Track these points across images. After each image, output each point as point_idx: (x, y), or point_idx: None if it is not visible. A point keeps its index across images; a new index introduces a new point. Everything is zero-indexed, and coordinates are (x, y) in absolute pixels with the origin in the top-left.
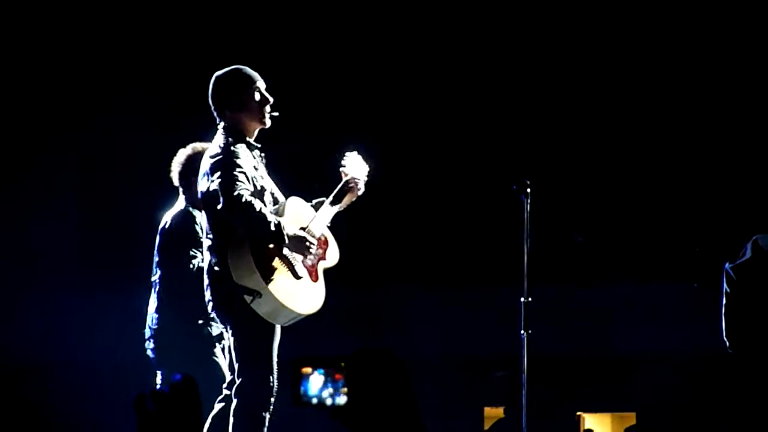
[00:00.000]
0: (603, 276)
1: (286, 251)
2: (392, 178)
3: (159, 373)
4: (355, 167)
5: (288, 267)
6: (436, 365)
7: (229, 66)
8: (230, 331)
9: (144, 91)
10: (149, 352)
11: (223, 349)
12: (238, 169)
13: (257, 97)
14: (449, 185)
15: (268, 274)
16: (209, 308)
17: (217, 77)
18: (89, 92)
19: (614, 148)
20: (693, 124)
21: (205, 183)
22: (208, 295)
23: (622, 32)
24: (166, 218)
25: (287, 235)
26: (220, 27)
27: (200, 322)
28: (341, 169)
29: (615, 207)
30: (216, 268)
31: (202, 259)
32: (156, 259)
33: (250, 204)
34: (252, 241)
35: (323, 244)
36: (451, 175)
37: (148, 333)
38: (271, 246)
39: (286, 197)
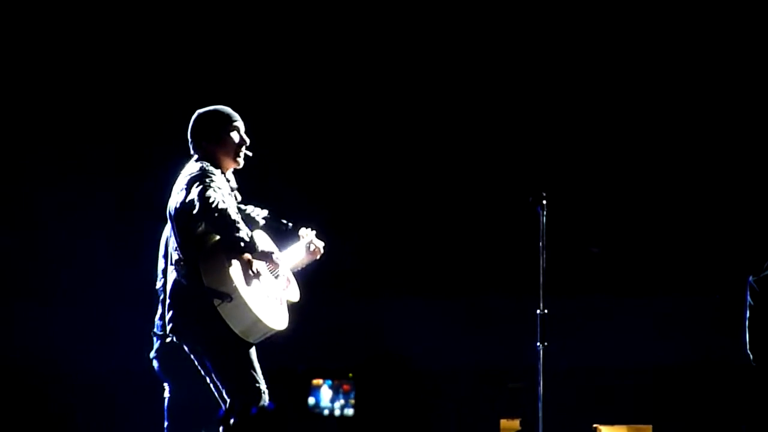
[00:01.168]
0: (618, 287)
1: (256, 267)
2: (408, 189)
3: (166, 384)
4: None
5: (257, 280)
6: (452, 377)
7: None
8: (203, 352)
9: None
10: (154, 362)
11: None
12: (213, 184)
13: (235, 136)
14: (465, 197)
15: (239, 278)
16: (168, 329)
17: (198, 113)
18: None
19: (630, 158)
20: (715, 136)
21: (180, 196)
22: (169, 316)
23: (646, 47)
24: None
25: (258, 247)
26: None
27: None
28: (308, 243)
29: (632, 218)
30: (183, 282)
31: None
32: (162, 266)
33: (225, 210)
34: (224, 248)
35: (286, 281)
36: (467, 186)
37: (154, 340)
38: (243, 257)
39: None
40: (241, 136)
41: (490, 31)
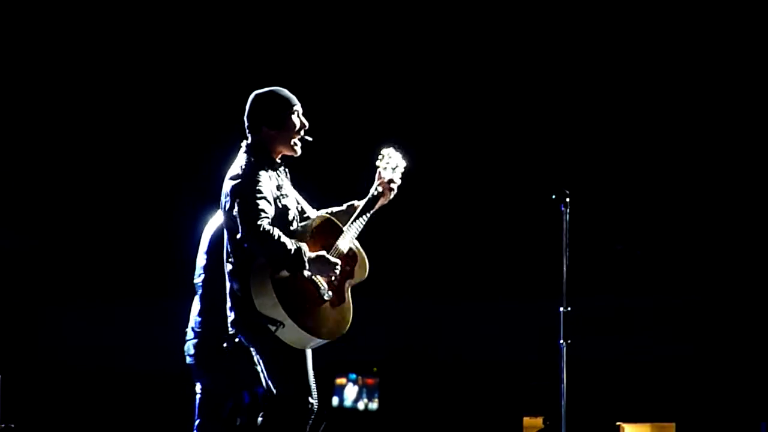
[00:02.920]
0: (642, 285)
1: (308, 274)
2: (431, 188)
3: (198, 384)
4: (390, 167)
5: (311, 292)
6: (476, 374)
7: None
8: (259, 356)
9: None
10: (188, 359)
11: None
12: (258, 195)
13: (296, 120)
14: (488, 195)
15: (290, 303)
16: (230, 329)
17: (257, 95)
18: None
19: (652, 157)
20: (732, 138)
21: (226, 205)
22: (231, 317)
23: (667, 50)
24: (215, 221)
25: (308, 259)
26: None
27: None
28: (378, 170)
29: (652, 217)
30: (238, 294)
31: None
32: (203, 262)
33: (268, 233)
34: (273, 270)
35: (351, 260)
36: (490, 185)
37: (190, 335)
38: (293, 272)
39: (317, 209)
40: (301, 120)
41: (511, 30)
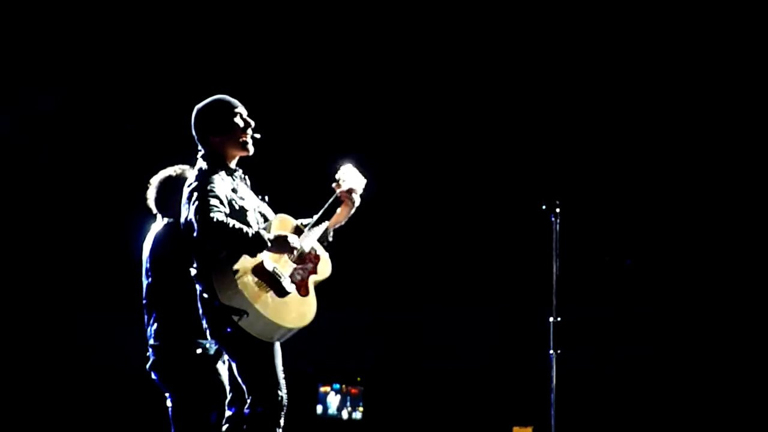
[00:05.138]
0: (630, 295)
1: (270, 267)
2: (422, 198)
3: (168, 396)
4: (349, 179)
5: (273, 283)
6: (465, 384)
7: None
8: (229, 355)
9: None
10: (152, 375)
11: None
12: (209, 194)
13: (239, 121)
14: (479, 205)
15: (252, 291)
16: (207, 334)
17: (198, 108)
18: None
19: (642, 168)
20: (731, 144)
21: (184, 212)
22: (204, 323)
23: (661, 56)
24: (150, 239)
25: (268, 239)
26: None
27: (199, 340)
28: (333, 185)
29: (643, 227)
30: (205, 295)
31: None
32: (148, 280)
33: (222, 222)
34: (233, 260)
35: (314, 258)
36: (481, 194)
37: (150, 352)
38: (255, 263)
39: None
40: (245, 120)
41: (504, 40)
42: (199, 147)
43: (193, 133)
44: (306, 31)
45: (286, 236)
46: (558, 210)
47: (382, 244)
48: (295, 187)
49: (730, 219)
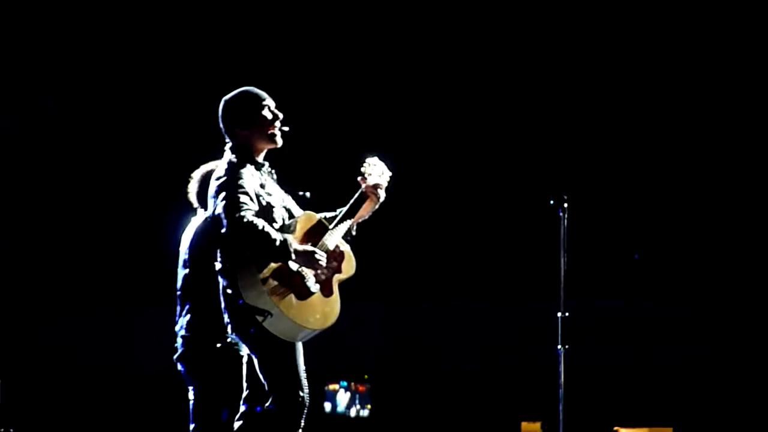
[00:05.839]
0: (639, 291)
1: (295, 266)
2: (430, 193)
3: (191, 389)
4: (375, 173)
5: (298, 283)
6: (474, 379)
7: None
8: (251, 352)
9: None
10: (178, 365)
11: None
12: (240, 190)
13: (267, 114)
14: (487, 200)
15: (277, 292)
16: (228, 329)
17: (226, 100)
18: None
19: (650, 162)
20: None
21: (211, 206)
22: (226, 317)
23: (669, 52)
24: (190, 231)
25: (294, 250)
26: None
27: (228, 334)
28: (359, 178)
29: (652, 222)
30: (228, 291)
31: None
32: (185, 271)
33: (251, 223)
34: (258, 261)
35: (338, 257)
36: (489, 190)
37: (179, 342)
38: (279, 263)
39: (304, 209)
40: (273, 113)
41: (510, 35)
42: (227, 139)
43: (221, 125)
44: (321, 29)
45: (313, 252)
46: (566, 205)
47: (389, 240)
48: (317, 180)
49: (741, 213)
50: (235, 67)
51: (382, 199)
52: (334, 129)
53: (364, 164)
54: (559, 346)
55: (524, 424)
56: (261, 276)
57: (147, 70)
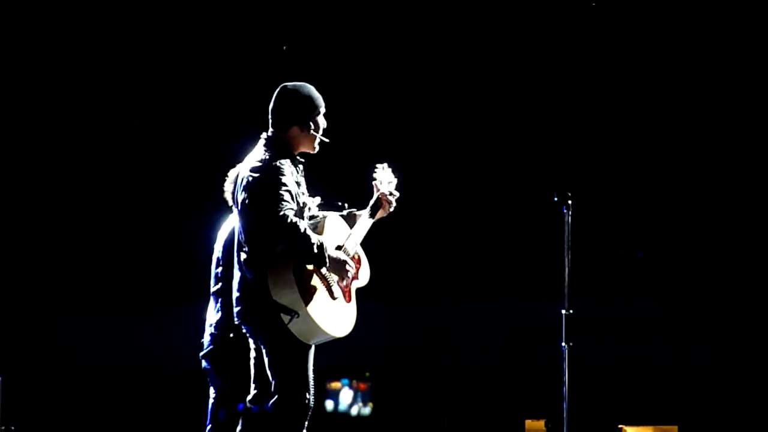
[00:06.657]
0: (643, 288)
1: (324, 271)
2: (432, 191)
3: (212, 388)
4: (386, 181)
5: (326, 287)
6: (477, 377)
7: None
8: (264, 348)
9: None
10: (203, 363)
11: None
12: (283, 188)
13: (322, 121)
14: (490, 198)
15: (307, 294)
16: (236, 320)
17: (289, 91)
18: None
19: (654, 159)
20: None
21: (244, 196)
22: (238, 308)
23: (673, 50)
24: (226, 230)
25: (329, 256)
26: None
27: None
28: (374, 182)
29: (655, 219)
30: (252, 284)
31: None
32: (219, 269)
33: (295, 225)
34: (295, 260)
35: (356, 263)
36: (493, 187)
37: (208, 339)
38: (313, 267)
39: (321, 209)
40: (324, 121)
41: (513, 34)
42: (272, 127)
43: (272, 112)
44: (324, 31)
45: (345, 261)
46: (570, 202)
47: (391, 238)
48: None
49: (746, 210)
50: (238, 67)
51: (393, 207)
52: (334, 129)
53: (376, 169)
54: (564, 344)
55: (528, 422)
56: (295, 275)
57: (149, 70)
